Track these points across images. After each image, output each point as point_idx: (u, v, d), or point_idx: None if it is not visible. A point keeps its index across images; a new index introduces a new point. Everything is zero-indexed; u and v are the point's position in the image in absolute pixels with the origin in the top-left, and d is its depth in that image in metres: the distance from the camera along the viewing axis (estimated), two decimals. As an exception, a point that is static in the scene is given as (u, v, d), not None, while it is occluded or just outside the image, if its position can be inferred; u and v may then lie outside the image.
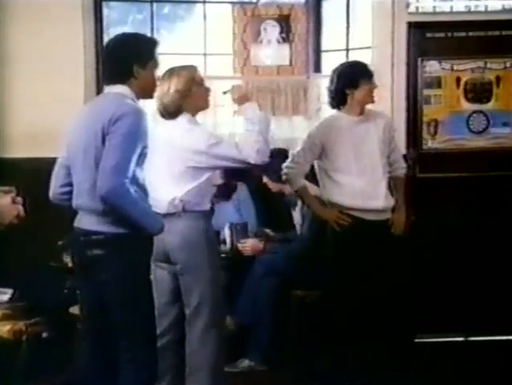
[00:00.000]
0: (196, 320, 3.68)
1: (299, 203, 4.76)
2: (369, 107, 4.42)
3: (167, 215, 3.57)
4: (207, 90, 3.78)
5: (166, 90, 3.66)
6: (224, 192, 4.89)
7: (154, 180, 3.54)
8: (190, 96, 3.66)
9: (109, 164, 2.93)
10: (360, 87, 4.25)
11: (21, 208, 2.83)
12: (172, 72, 3.70)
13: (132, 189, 2.96)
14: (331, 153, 4.26)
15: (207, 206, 3.73)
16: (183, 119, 3.68)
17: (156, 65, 3.19)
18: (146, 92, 3.20)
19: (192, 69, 3.76)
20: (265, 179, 4.96)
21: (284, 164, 4.34)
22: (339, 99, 4.30)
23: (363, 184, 4.23)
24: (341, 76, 4.28)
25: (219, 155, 3.58)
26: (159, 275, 3.73)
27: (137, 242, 3.04)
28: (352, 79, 4.25)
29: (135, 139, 2.99)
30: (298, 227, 4.88)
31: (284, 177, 4.37)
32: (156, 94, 3.52)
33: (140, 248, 3.06)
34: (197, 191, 3.65)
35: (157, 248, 3.55)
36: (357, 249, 4.14)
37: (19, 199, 2.84)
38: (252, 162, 3.54)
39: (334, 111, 4.39)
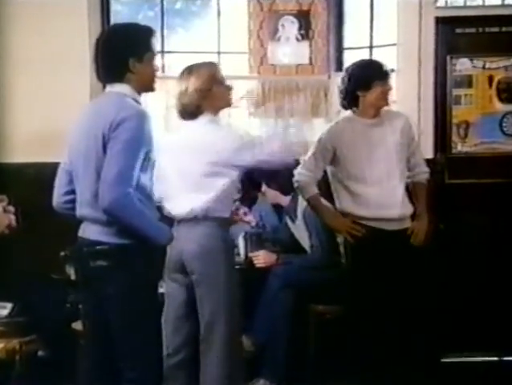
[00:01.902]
0: (210, 334, 3.53)
1: (299, 215, 4.63)
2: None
3: (184, 221, 3.54)
4: (228, 88, 3.67)
5: (184, 89, 3.57)
6: (244, 202, 4.71)
7: (173, 185, 3.57)
8: (210, 95, 3.56)
9: (111, 173, 2.81)
10: (373, 89, 4.04)
11: (12, 217, 2.75)
12: (190, 70, 3.61)
13: (137, 198, 2.83)
14: (343, 159, 4.08)
15: (226, 213, 3.60)
16: (203, 120, 3.56)
17: (153, 56, 3.05)
18: (146, 86, 3.06)
19: (212, 66, 3.68)
20: (263, 188, 4.84)
21: (295, 171, 4.18)
22: (350, 100, 4.12)
23: (377, 192, 4.03)
24: (352, 77, 4.09)
25: (240, 161, 3.50)
26: (172, 289, 3.66)
27: (143, 253, 2.92)
28: (364, 80, 4.05)
29: (138, 144, 2.85)
30: (303, 241, 4.71)
31: (295, 185, 4.21)
32: (175, 93, 3.58)
33: (146, 259, 2.94)
34: (216, 197, 3.51)
35: (172, 258, 3.57)
36: (373, 261, 3.94)
37: (11, 208, 2.76)
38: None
39: (347, 113, 4.21)
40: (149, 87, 3.06)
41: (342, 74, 4.28)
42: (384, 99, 4.07)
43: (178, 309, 3.63)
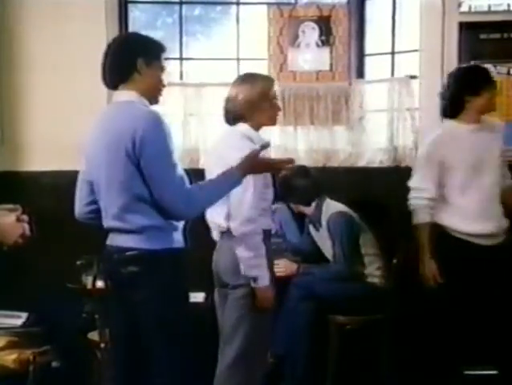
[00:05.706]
0: (227, 346, 3.43)
1: (324, 223, 4.56)
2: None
3: (221, 232, 3.43)
4: (278, 108, 3.50)
5: (234, 95, 3.42)
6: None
7: None
8: (257, 109, 3.39)
9: (167, 193, 2.82)
10: (482, 95, 3.95)
11: (26, 226, 2.69)
12: (246, 78, 3.49)
13: (187, 187, 2.86)
14: (449, 169, 3.95)
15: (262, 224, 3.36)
16: (238, 130, 3.39)
17: (162, 69, 3.00)
18: (151, 94, 2.98)
19: (268, 81, 3.50)
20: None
21: (409, 196, 4.04)
22: (455, 106, 3.99)
23: (479, 203, 3.93)
24: (460, 81, 4.00)
25: None
26: (216, 301, 3.59)
27: (173, 259, 2.91)
28: (474, 85, 3.96)
29: (169, 149, 2.83)
30: (326, 250, 4.63)
31: (411, 208, 4.04)
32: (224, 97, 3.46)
33: (175, 265, 2.92)
34: (238, 207, 3.29)
35: (213, 270, 3.53)
36: (464, 276, 3.83)
37: (25, 217, 2.71)
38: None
39: (447, 122, 4.06)
40: (154, 96, 2.99)
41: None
42: (492, 104, 3.99)
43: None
